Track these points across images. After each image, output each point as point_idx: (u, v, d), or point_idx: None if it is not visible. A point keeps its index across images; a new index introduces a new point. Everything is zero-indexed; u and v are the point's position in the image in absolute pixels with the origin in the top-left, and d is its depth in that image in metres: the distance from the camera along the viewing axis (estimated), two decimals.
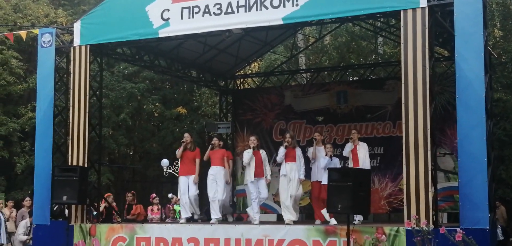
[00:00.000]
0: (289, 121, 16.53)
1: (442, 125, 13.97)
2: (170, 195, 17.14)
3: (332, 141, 15.25)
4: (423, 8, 10.01)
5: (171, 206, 16.56)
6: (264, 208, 16.13)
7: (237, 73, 18.21)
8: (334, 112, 16.17)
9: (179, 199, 13.24)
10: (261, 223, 11.63)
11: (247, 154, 11.96)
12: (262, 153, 12.18)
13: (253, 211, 12.00)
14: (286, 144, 11.93)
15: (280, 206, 12.94)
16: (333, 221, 11.29)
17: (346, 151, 12.20)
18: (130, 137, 24.45)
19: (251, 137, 12.24)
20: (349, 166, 12.01)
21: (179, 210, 13.48)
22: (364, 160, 11.98)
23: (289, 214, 11.72)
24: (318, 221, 11.97)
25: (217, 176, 12.29)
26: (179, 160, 12.76)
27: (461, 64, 9.74)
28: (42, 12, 22.53)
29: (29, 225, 13.75)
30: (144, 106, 24.29)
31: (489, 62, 11.27)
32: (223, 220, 12.62)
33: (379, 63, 19.31)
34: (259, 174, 11.96)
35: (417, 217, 9.43)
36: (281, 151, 11.94)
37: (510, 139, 18.39)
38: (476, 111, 9.57)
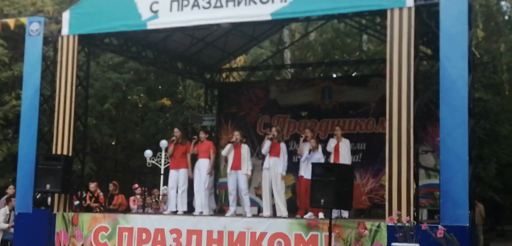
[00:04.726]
0: (273, 116, 16.63)
1: (424, 123, 14.12)
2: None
3: (315, 136, 15.37)
4: (409, 8, 10.13)
5: (152, 198, 16.53)
6: None
7: (223, 67, 18.27)
8: (318, 107, 16.28)
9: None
10: (240, 215, 11.72)
11: (226, 147, 12.24)
12: (244, 147, 12.14)
13: (229, 203, 12.21)
14: (271, 136, 12.03)
15: (261, 199, 13.01)
16: (321, 215, 11.48)
17: (330, 146, 12.34)
18: (114, 127, 24.41)
19: (235, 132, 12.43)
20: (330, 161, 12.10)
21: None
22: (345, 157, 12.12)
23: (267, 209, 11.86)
24: (310, 214, 11.89)
25: (201, 168, 12.37)
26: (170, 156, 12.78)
27: (446, 64, 9.85)
28: (29, 0, 22.37)
29: (8, 212, 13.70)
30: (129, 97, 24.28)
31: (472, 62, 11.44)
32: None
33: (363, 61, 19.46)
34: (236, 167, 12.05)
35: (399, 213, 9.56)
36: (267, 143, 11.98)
37: (489, 138, 18.74)
38: (459, 111, 9.69)
